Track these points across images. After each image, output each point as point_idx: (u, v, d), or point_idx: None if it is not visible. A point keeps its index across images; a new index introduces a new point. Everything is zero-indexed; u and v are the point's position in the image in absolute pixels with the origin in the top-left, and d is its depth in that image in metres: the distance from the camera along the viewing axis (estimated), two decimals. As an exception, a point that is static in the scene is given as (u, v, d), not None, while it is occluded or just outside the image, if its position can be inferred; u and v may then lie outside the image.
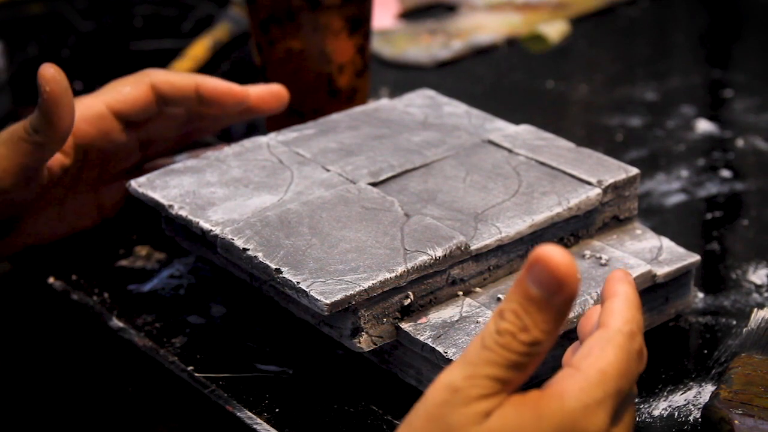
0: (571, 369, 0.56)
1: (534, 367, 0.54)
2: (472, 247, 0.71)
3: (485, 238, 0.72)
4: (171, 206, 0.76)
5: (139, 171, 0.86)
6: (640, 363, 0.58)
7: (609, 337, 0.57)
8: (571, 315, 0.69)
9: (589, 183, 0.76)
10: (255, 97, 0.86)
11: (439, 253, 0.70)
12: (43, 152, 0.77)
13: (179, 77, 0.84)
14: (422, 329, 0.69)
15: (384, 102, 0.88)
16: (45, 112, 0.75)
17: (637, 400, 0.70)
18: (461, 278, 0.71)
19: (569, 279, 0.53)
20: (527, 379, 0.55)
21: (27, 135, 0.76)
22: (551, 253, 0.53)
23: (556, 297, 0.53)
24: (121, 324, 0.78)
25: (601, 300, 0.61)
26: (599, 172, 0.77)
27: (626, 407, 0.57)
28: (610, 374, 0.55)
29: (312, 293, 0.67)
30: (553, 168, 0.77)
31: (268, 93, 0.86)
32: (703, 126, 1.01)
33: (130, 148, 0.85)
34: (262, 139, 0.83)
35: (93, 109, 0.82)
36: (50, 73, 0.75)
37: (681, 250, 0.75)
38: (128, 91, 0.83)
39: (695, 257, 0.75)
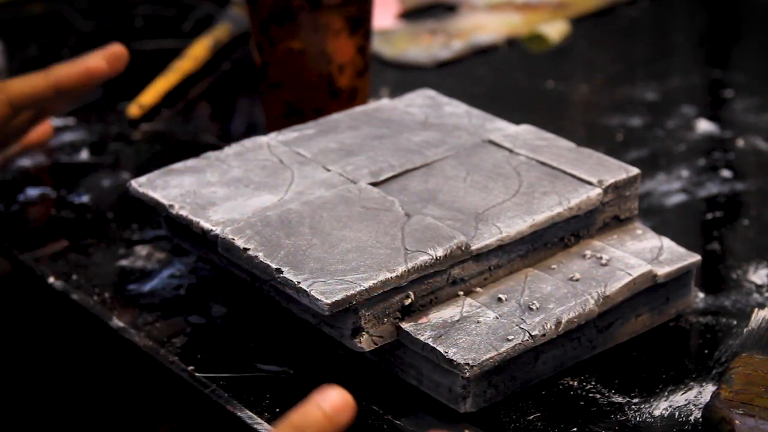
0: None
1: None
2: (473, 247, 0.71)
3: (486, 238, 0.72)
4: (171, 206, 0.76)
5: None
6: None
7: None
8: (571, 315, 0.69)
9: (589, 183, 0.76)
10: (98, 66, 0.86)
11: (440, 253, 0.69)
12: None
13: (35, 82, 0.85)
14: (423, 329, 0.69)
15: (384, 102, 0.88)
16: None
17: (637, 400, 0.70)
18: (462, 278, 0.71)
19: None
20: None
21: None
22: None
23: None
24: (121, 324, 0.78)
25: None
26: (600, 172, 0.77)
27: None
28: None
29: (313, 293, 0.67)
30: (553, 168, 0.77)
31: (110, 55, 0.87)
32: (704, 126, 1.01)
33: None
34: (263, 139, 0.83)
35: None
36: None
37: (681, 250, 0.75)
38: None
39: (696, 257, 0.75)
